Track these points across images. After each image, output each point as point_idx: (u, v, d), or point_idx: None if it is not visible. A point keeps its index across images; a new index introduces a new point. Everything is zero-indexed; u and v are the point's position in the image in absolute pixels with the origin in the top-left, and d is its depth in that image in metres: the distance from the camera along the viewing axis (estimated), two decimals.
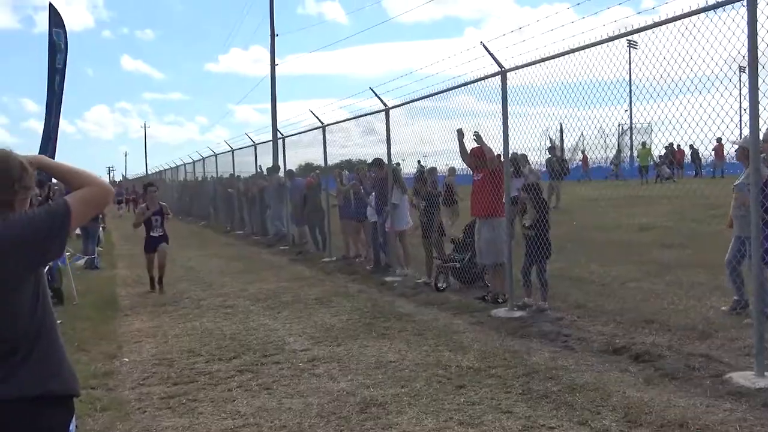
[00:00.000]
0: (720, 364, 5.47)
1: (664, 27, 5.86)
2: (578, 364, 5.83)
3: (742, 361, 5.49)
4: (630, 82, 8.16)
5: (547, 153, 14.95)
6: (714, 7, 5.34)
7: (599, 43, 6.61)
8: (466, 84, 8.80)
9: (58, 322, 7.99)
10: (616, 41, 6.58)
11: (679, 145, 10.69)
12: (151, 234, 11.08)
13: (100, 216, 16.07)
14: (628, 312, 7.35)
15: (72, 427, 2.32)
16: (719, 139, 6.63)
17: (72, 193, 2.34)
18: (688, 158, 21.66)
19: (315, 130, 14.71)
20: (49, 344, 2.26)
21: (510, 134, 7.92)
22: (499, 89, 8.01)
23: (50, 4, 11.14)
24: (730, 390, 4.93)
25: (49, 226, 2.20)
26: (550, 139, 14.02)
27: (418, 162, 13.59)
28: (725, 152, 19.54)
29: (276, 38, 32.16)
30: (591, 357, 6.01)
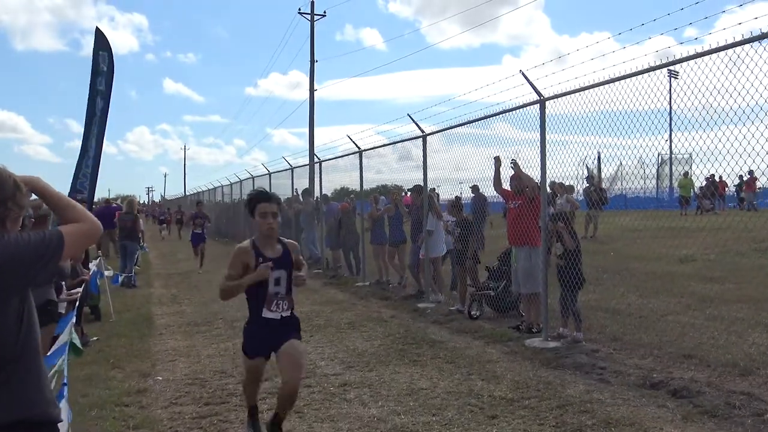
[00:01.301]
0: (762, 403, 5.32)
1: (707, 57, 5.82)
2: (614, 397, 5.72)
3: None
4: (670, 112, 8.08)
5: (585, 182, 14.85)
6: (760, 38, 5.30)
7: (640, 73, 6.58)
8: (504, 112, 8.81)
9: (94, 338, 8.10)
10: (657, 71, 6.56)
11: (720, 177, 10.53)
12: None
13: (140, 235, 16.37)
14: (667, 346, 7.20)
15: None
16: (751, 172, 6.55)
17: (66, 225, 2.31)
18: (730, 190, 21.25)
19: (352, 155, 14.83)
20: (30, 368, 2.23)
21: (547, 162, 7.90)
22: (537, 117, 8.00)
23: (96, 28, 11.51)
24: None
25: (41, 252, 2.16)
26: (588, 168, 13.93)
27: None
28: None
29: (315, 64, 32.64)
30: (627, 391, 5.89)
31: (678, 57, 6.14)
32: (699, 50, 5.92)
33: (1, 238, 2.16)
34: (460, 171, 11.85)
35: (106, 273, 11.42)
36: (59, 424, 2.32)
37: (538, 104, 7.87)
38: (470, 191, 12.99)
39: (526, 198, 8.55)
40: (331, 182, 17.68)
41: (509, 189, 8.92)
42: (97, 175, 11.67)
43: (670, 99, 7.46)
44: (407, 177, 14.12)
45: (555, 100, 7.83)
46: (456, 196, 11.27)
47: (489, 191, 11.58)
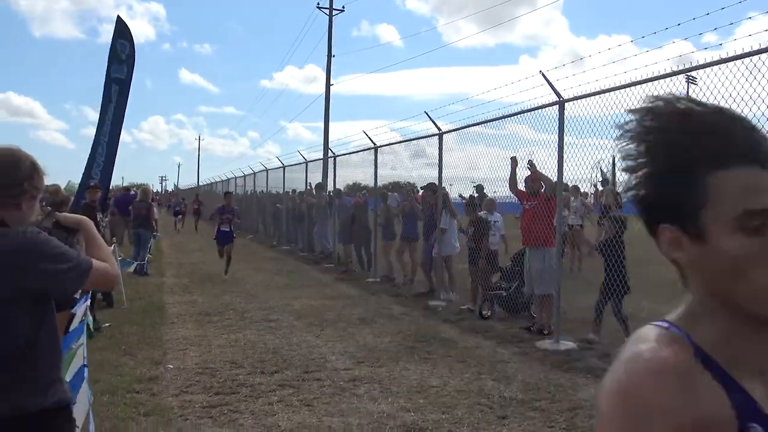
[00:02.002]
0: None
1: (726, 64, 5.75)
2: None
3: None
4: None
5: (601, 185, 14.72)
6: None
7: (659, 78, 6.52)
8: (523, 112, 8.74)
9: (106, 325, 8.10)
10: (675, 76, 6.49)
11: None
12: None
13: (153, 223, 16.39)
14: None
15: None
16: None
17: (98, 261, 2.28)
18: None
19: (366, 151, 14.79)
20: (49, 362, 2.21)
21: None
22: (554, 119, 7.94)
23: (118, 17, 11.48)
24: None
25: (66, 274, 2.15)
26: (602, 171, 13.81)
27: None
28: None
29: (332, 59, 32.64)
30: None
31: (697, 63, 6.08)
32: (718, 57, 5.85)
33: (27, 230, 2.13)
34: (473, 170, 11.80)
35: (118, 259, 11.45)
36: (79, 406, 2.30)
37: (557, 105, 7.80)
38: (474, 191, 12.91)
39: (541, 198, 8.48)
40: (343, 177, 17.67)
41: (524, 189, 8.86)
42: (113, 162, 11.63)
43: None
44: (419, 174, 14.07)
45: (573, 102, 7.77)
46: (470, 195, 11.22)
47: (501, 191, 11.54)
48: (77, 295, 6.78)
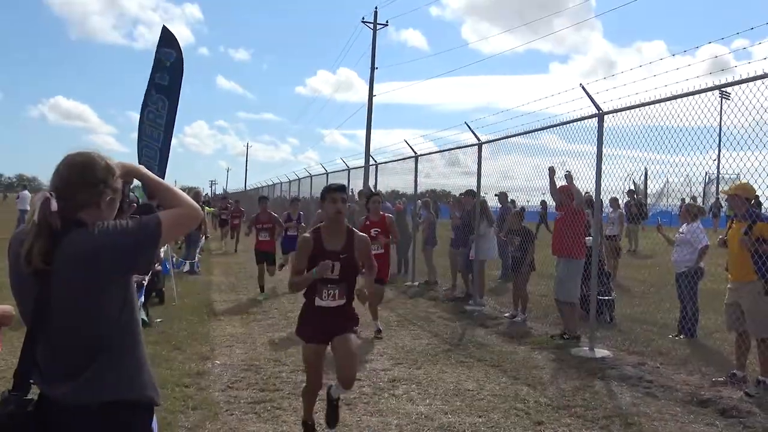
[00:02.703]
0: None
1: (762, 80, 5.59)
2: (661, 412, 5.49)
3: None
4: (720, 132, 7.77)
5: (626, 196, 14.42)
6: None
7: (695, 93, 6.35)
8: (563, 123, 8.58)
9: (159, 320, 8.22)
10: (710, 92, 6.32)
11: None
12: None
13: (202, 225, 16.59)
14: (715, 363, 6.90)
15: (154, 427, 2.27)
16: None
17: (165, 211, 2.27)
18: None
19: (407, 159, 14.74)
20: (131, 352, 2.20)
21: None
22: (593, 130, 7.79)
23: (164, 26, 11.52)
24: None
25: (139, 239, 2.14)
26: (634, 182, 13.52)
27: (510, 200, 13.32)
28: None
29: (375, 71, 32.73)
30: (675, 406, 5.65)
31: (732, 78, 5.91)
32: (753, 72, 5.68)
33: (100, 225, 2.13)
34: (506, 179, 11.65)
35: (173, 258, 11.61)
36: None
37: (597, 117, 7.64)
38: (497, 199, 12.71)
39: (569, 210, 8.34)
40: (382, 184, 17.61)
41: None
42: (165, 167, 11.71)
43: (720, 119, 7.17)
44: (455, 182, 13.97)
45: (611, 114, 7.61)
46: (522, 207, 11.08)
47: (534, 200, 11.37)
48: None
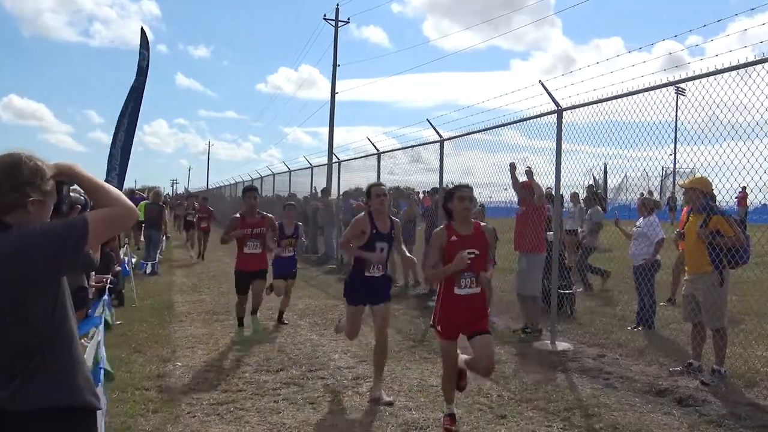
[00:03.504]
0: (767, 414, 5.16)
1: (714, 76, 5.72)
2: (620, 402, 5.57)
3: None
4: (676, 128, 7.93)
5: (585, 191, 14.66)
6: (763, 60, 5.19)
7: (652, 89, 6.47)
8: (522, 120, 8.66)
9: (118, 322, 8.01)
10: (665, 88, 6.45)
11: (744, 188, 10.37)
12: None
13: (164, 226, 16.32)
14: (672, 354, 7.03)
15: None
16: (744, 188, 6.47)
17: (95, 210, 2.21)
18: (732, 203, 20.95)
19: (370, 157, 14.73)
20: (65, 355, 2.14)
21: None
22: (552, 126, 7.86)
23: (141, 28, 11.34)
24: None
25: (64, 239, 2.06)
26: (594, 178, 13.73)
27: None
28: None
29: (337, 68, 32.65)
30: (633, 397, 5.74)
31: (688, 75, 6.04)
32: (707, 69, 5.82)
33: (24, 227, 2.08)
34: (468, 175, 11.71)
35: (133, 260, 11.39)
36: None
37: (556, 114, 7.72)
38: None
39: (530, 206, 8.43)
40: (345, 182, 17.57)
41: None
42: (126, 166, 11.51)
43: (676, 115, 7.32)
44: (417, 179, 13.99)
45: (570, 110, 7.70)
46: (482, 204, 11.13)
47: (497, 196, 11.46)
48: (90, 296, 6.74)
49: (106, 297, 7.02)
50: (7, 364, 2.05)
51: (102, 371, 4.10)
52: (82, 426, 2.17)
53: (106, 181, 11.22)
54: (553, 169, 7.82)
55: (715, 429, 4.96)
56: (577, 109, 7.58)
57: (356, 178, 17.33)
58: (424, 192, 13.36)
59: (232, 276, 8.55)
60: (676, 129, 7.68)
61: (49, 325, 2.10)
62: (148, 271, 14.35)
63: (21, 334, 2.06)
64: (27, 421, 2.03)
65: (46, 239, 2.05)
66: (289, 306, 9.44)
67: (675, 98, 6.80)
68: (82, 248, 2.11)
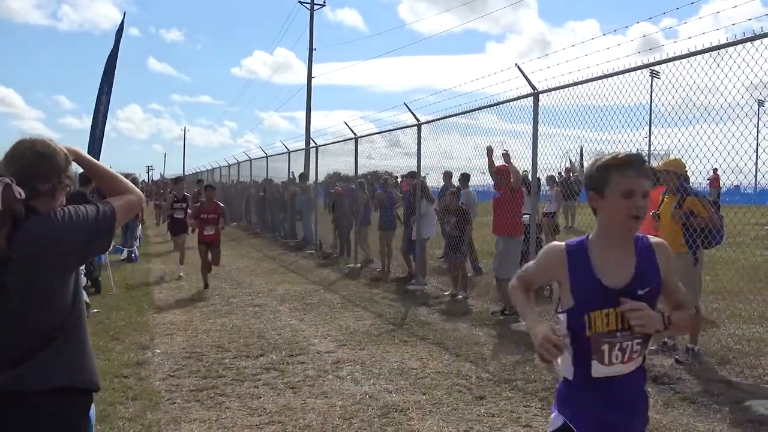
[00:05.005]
0: (739, 392, 5.27)
1: (687, 59, 5.76)
2: None
3: (762, 389, 5.28)
4: (650, 110, 7.99)
5: (563, 174, 14.75)
6: (743, 41, 5.22)
7: (627, 71, 6.50)
8: (500, 103, 8.67)
9: (95, 311, 7.95)
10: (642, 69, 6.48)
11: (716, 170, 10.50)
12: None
13: (140, 212, 16.12)
14: None
15: (91, 413, 2.26)
16: (715, 170, 6.56)
17: (115, 197, 2.31)
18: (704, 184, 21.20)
19: (348, 141, 14.65)
20: (79, 337, 2.19)
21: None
22: (529, 109, 7.88)
23: (125, 13, 11.07)
24: (750, 418, 4.74)
25: (98, 226, 2.18)
26: (570, 160, 13.84)
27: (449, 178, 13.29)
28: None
29: (313, 52, 32.36)
30: None
31: (662, 57, 6.07)
32: (680, 51, 5.85)
33: (60, 212, 2.13)
34: (447, 159, 11.74)
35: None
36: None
37: (532, 97, 7.74)
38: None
39: (507, 190, 8.46)
40: (323, 166, 17.50)
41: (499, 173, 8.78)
42: (99, 152, 11.31)
43: (651, 97, 7.37)
44: (396, 164, 13.98)
45: (546, 93, 7.71)
46: (457, 186, 11.15)
47: (475, 179, 11.50)
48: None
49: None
50: (31, 345, 2.07)
51: None
52: (81, 406, 2.22)
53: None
54: (530, 152, 7.85)
55: (690, 406, 5.05)
56: (553, 93, 7.60)
57: (334, 162, 17.28)
58: (401, 176, 13.32)
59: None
60: (651, 111, 7.75)
61: (71, 308, 2.17)
62: (123, 256, 14.18)
63: (48, 316, 2.11)
64: (45, 401, 2.07)
65: (84, 227, 2.14)
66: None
67: (650, 81, 6.85)
68: (111, 235, 2.24)
